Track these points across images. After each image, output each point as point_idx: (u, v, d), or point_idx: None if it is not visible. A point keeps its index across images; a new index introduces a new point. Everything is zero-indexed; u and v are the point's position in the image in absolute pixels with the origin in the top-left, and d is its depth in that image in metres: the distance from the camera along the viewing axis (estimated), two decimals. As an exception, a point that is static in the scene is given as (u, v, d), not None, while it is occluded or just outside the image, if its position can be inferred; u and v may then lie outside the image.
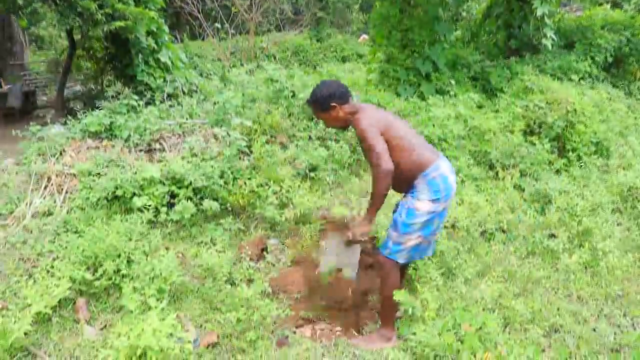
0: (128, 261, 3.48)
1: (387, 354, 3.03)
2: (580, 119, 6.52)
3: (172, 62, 8.56)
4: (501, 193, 5.41)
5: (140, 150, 5.04)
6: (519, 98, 7.17)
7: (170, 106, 6.16)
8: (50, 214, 4.19)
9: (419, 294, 3.27)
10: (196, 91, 7.90)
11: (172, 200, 4.32)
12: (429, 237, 3.16)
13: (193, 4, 14.48)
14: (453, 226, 4.55)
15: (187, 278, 3.67)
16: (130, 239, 3.69)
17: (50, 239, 3.85)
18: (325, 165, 5.25)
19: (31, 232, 3.95)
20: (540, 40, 8.94)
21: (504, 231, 4.81)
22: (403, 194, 3.21)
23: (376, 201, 2.98)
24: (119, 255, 3.47)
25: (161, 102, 6.40)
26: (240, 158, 5.00)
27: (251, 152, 5.10)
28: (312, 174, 5.10)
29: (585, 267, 4.30)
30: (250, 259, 3.97)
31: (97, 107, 5.60)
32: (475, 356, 2.67)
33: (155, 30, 8.34)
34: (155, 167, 4.38)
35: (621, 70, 9.79)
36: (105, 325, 3.25)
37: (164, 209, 4.17)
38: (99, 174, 4.50)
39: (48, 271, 3.45)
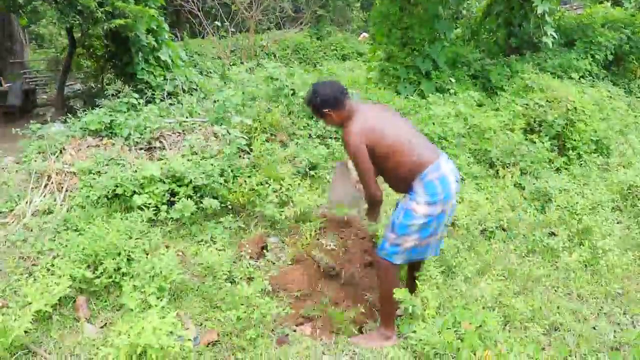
0: (128, 259, 3.48)
1: (387, 352, 3.03)
2: (581, 117, 6.52)
3: (172, 60, 8.55)
4: (501, 191, 5.41)
5: (141, 149, 5.04)
6: (519, 96, 7.16)
7: (171, 104, 6.16)
8: (50, 212, 4.19)
9: (419, 292, 3.27)
10: (196, 89, 7.90)
11: (172, 199, 4.32)
12: (427, 240, 3.12)
13: (193, 2, 14.46)
14: (453, 224, 4.55)
15: (187, 276, 3.67)
16: (130, 237, 3.69)
17: (50, 237, 3.85)
18: (325, 163, 5.25)
19: (31, 230, 3.95)
20: (541, 38, 8.93)
21: (504, 229, 4.81)
22: (403, 195, 3.19)
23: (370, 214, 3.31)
24: (119, 254, 3.46)
25: (161, 100, 6.40)
26: (240, 156, 4.99)
27: (251, 150, 5.10)
28: (312, 172, 5.10)
29: (585, 266, 4.30)
30: (251, 257, 3.97)
31: (97, 106, 5.60)
32: (475, 354, 2.67)
33: (155, 28, 8.33)
34: (155, 166, 4.38)
35: (621, 69, 9.79)
36: (106, 324, 3.25)
37: (164, 207, 4.17)
38: (99, 172, 4.50)
39: (48, 269, 3.45)
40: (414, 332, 2.97)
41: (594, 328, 3.50)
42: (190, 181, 4.33)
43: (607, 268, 4.18)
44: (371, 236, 4.10)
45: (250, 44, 15.62)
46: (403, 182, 3.06)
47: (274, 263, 3.99)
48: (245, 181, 4.63)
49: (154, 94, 6.69)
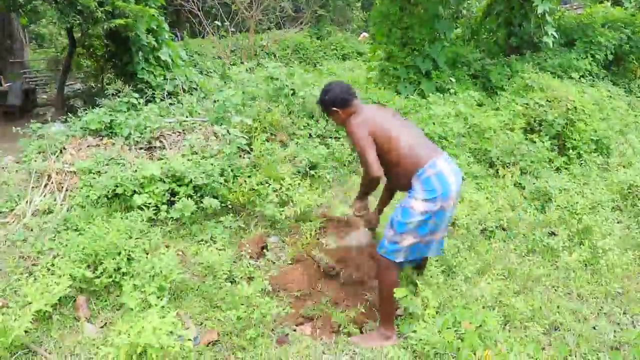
0: (128, 259, 3.48)
1: (387, 351, 3.03)
2: (581, 117, 6.52)
3: (172, 60, 8.55)
4: (501, 191, 5.41)
5: (141, 148, 5.04)
6: (519, 96, 7.16)
7: (171, 104, 6.16)
8: (50, 212, 4.19)
9: (419, 292, 3.27)
10: (196, 89, 7.90)
11: (172, 198, 4.32)
12: (426, 237, 3.13)
13: (193, 1, 14.46)
14: (453, 224, 4.55)
15: (188, 276, 3.67)
16: (130, 237, 3.69)
17: (50, 236, 3.85)
18: (325, 163, 5.25)
19: (31, 230, 3.96)
20: (541, 38, 8.92)
21: (504, 229, 4.81)
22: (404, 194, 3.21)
23: (362, 194, 3.45)
24: (119, 253, 3.46)
25: (161, 100, 6.40)
26: (240, 156, 5.00)
27: (251, 150, 5.10)
28: (312, 172, 5.10)
29: (585, 265, 4.30)
30: (251, 257, 3.97)
31: (98, 105, 5.60)
32: (475, 354, 2.68)
33: (155, 28, 8.33)
34: (155, 165, 4.38)
35: (621, 68, 9.79)
36: (106, 323, 3.25)
37: (164, 207, 4.17)
38: (99, 171, 4.50)
39: (48, 269, 3.45)
40: (414, 331, 2.98)
41: (594, 328, 3.50)
42: (191, 181, 4.33)
43: (607, 268, 4.18)
44: (372, 236, 4.11)
45: (251, 43, 15.62)
46: (403, 179, 3.09)
47: (274, 263, 3.99)
48: (245, 181, 4.63)
49: (154, 94, 6.69)
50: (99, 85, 10.03)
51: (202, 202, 4.26)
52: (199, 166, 4.45)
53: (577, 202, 5.07)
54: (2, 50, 12.98)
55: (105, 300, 3.41)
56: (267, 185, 4.67)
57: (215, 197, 4.37)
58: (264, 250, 4.11)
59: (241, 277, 3.65)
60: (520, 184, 5.63)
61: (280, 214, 4.38)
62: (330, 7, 21.81)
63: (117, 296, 3.39)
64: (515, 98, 7.07)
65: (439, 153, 3.13)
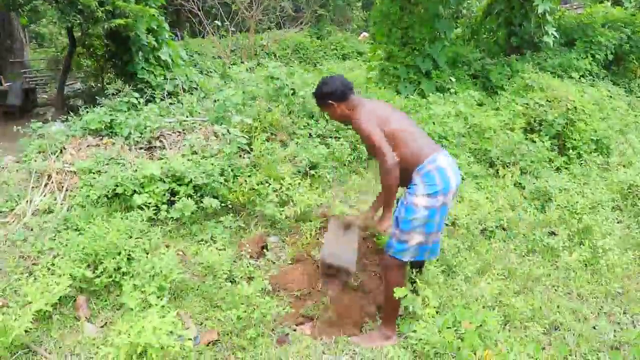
0: (128, 259, 3.48)
1: (387, 351, 3.03)
2: (581, 116, 6.52)
3: (172, 60, 8.56)
4: (501, 191, 5.41)
5: (141, 148, 5.04)
6: (519, 96, 7.16)
7: (171, 104, 6.16)
8: (50, 211, 4.19)
9: (420, 291, 3.27)
10: (196, 89, 7.90)
11: (172, 198, 4.32)
12: (432, 235, 3.13)
13: (193, 1, 14.46)
14: (453, 224, 4.55)
15: (188, 276, 3.67)
16: (130, 237, 3.69)
17: (50, 236, 3.85)
18: (325, 162, 5.25)
19: (31, 229, 3.96)
20: (542, 38, 8.93)
21: (504, 229, 4.81)
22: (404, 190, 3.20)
23: (387, 195, 3.10)
24: (119, 253, 3.46)
25: (161, 99, 6.40)
26: (240, 156, 4.99)
27: (251, 149, 5.10)
28: (312, 172, 5.10)
29: (585, 265, 4.30)
30: (251, 257, 3.97)
31: (98, 105, 5.60)
32: (475, 354, 2.67)
33: (155, 27, 8.34)
34: (155, 165, 4.38)
35: (621, 68, 9.80)
36: (106, 323, 3.25)
37: (165, 207, 4.17)
38: (99, 171, 4.50)
39: (48, 269, 3.45)
40: (414, 331, 2.97)
41: (594, 327, 3.50)
42: (191, 180, 4.33)
43: (607, 267, 4.18)
44: (372, 235, 4.11)
45: (251, 43, 15.63)
46: (404, 173, 3.06)
47: (274, 262, 3.99)
48: (245, 180, 4.63)
49: (154, 94, 6.69)
50: (99, 85, 10.04)
51: (202, 202, 4.26)
52: (199, 166, 4.45)
53: (577, 202, 5.07)
54: (2, 50, 12.98)
55: (105, 300, 3.41)
56: (267, 185, 4.67)
57: (215, 197, 4.37)
58: (264, 250, 4.11)
59: (241, 277, 3.65)
60: (520, 183, 5.63)
61: (281, 214, 4.38)
62: (330, 7, 21.81)
63: (117, 296, 3.39)
64: (516, 98, 7.07)
65: (439, 149, 3.13)
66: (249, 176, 4.73)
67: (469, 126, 6.29)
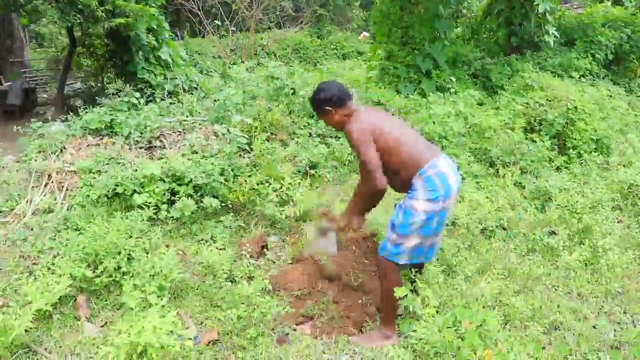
0: (128, 258, 3.48)
1: (387, 351, 3.03)
2: (581, 116, 6.52)
3: (172, 60, 8.56)
4: (501, 190, 5.41)
5: (141, 148, 5.04)
6: (519, 95, 7.16)
7: (171, 103, 6.16)
8: (50, 211, 4.19)
9: (420, 291, 3.27)
10: (196, 88, 7.90)
11: (172, 198, 4.32)
12: (429, 238, 3.13)
13: (193, 1, 14.46)
14: (453, 223, 4.55)
15: (188, 275, 3.67)
16: (130, 236, 3.69)
17: (50, 236, 3.86)
18: (325, 162, 5.25)
19: (32, 229, 3.96)
20: (542, 37, 8.93)
21: (504, 228, 4.81)
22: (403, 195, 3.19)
23: (355, 206, 3.20)
24: (120, 253, 3.46)
25: (162, 99, 6.40)
26: (240, 155, 5.00)
27: (251, 149, 5.10)
28: (312, 171, 5.10)
29: (586, 265, 4.30)
30: (251, 256, 3.97)
31: (98, 105, 5.60)
32: (475, 353, 2.67)
33: (155, 27, 8.34)
34: (155, 165, 4.38)
35: (622, 68, 9.80)
36: (106, 323, 3.25)
37: (165, 207, 4.17)
38: (99, 171, 4.51)
39: (48, 268, 3.46)
40: (414, 331, 2.97)
41: (594, 327, 3.50)
42: (191, 180, 4.33)
43: (607, 267, 4.18)
44: (372, 235, 4.11)
45: (251, 43, 15.63)
46: (403, 179, 3.05)
47: (274, 262, 3.99)
48: (245, 180, 4.63)
49: (154, 93, 6.70)
50: (99, 84, 10.03)
51: (202, 202, 4.27)
52: (199, 165, 4.45)
53: (577, 202, 5.06)
54: (2, 50, 12.98)
55: (106, 300, 3.41)
56: (267, 184, 4.67)
57: (215, 197, 4.37)
58: (264, 250, 4.11)
59: (241, 277, 3.65)
60: (520, 183, 5.63)
61: (281, 214, 4.38)
62: (331, 7, 21.81)
63: (118, 295, 3.39)
64: (516, 97, 7.07)
65: (438, 153, 3.12)
66: (249, 176, 4.73)
67: (469, 126, 6.28)
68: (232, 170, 4.69)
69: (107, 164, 4.60)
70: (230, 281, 3.62)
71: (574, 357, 3.20)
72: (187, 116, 5.70)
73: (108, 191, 4.22)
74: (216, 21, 14.69)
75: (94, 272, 3.39)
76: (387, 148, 3.01)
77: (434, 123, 6.05)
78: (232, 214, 4.40)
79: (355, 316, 3.40)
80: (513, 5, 9.26)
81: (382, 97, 6.80)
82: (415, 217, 2.98)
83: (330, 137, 5.69)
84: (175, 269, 3.38)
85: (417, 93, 7.39)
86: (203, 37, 16.94)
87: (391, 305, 3.16)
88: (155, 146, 5.11)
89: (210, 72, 11.71)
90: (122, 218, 3.87)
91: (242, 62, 12.70)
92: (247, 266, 3.78)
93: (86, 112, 5.30)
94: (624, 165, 6.47)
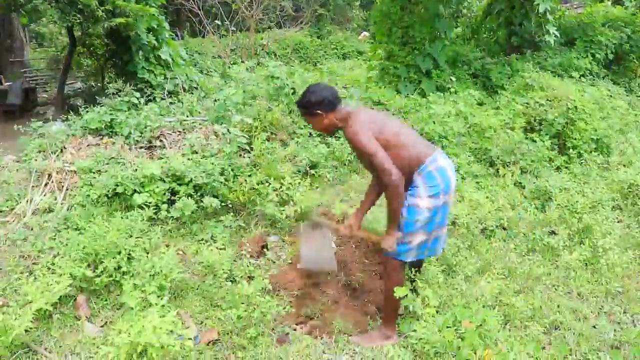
0: (128, 258, 3.48)
1: (387, 350, 3.03)
2: (581, 116, 6.52)
3: (172, 59, 8.57)
4: (501, 190, 5.41)
5: (141, 148, 5.04)
6: (519, 95, 7.16)
7: (171, 103, 6.16)
8: (50, 211, 4.19)
9: (420, 291, 3.27)
10: (196, 88, 7.91)
11: (172, 198, 4.32)
12: (434, 233, 3.14)
13: (193, 1, 14.46)
14: (453, 223, 4.55)
15: (188, 275, 3.67)
16: (130, 236, 3.69)
17: (50, 235, 3.85)
18: (325, 162, 5.25)
19: (32, 229, 3.96)
20: (542, 37, 8.93)
21: (504, 228, 4.81)
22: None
23: (393, 212, 2.98)
24: (120, 252, 3.46)
25: (162, 99, 6.40)
26: (240, 155, 4.99)
27: (251, 149, 5.10)
28: (312, 171, 5.10)
29: (586, 264, 4.30)
30: (251, 256, 3.97)
31: (98, 104, 5.60)
32: (475, 353, 2.67)
33: (155, 27, 8.34)
34: (155, 164, 4.38)
35: (622, 68, 9.80)
36: (106, 322, 3.25)
37: (165, 206, 4.17)
38: (99, 171, 4.50)
39: (49, 268, 3.46)
40: (414, 331, 2.97)
41: (594, 327, 3.50)
42: (191, 180, 4.33)
43: (608, 267, 4.18)
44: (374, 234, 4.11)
45: (251, 43, 15.62)
46: (405, 178, 3.05)
47: (274, 262, 3.99)
48: (245, 180, 4.63)
49: (154, 93, 6.70)
50: (99, 84, 10.04)
51: (202, 202, 4.26)
52: (199, 165, 4.45)
53: (577, 201, 5.06)
54: (2, 50, 12.99)
55: (106, 300, 3.41)
56: (267, 184, 4.67)
57: (215, 197, 4.37)
58: (264, 250, 4.11)
59: (241, 276, 3.65)
60: (520, 183, 5.63)
61: (281, 213, 4.38)
62: (331, 6, 21.81)
63: (118, 295, 3.39)
64: (516, 97, 7.07)
65: (435, 148, 3.13)
66: (249, 175, 4.73)
67: (469, 125, 6.28)
68: (232, 170, 4.69)
69: (107, 163, 4.60)
70: (230, 281, 3.62)
71: (574, 357, 3.20)
72: (187, 116, 5.70)
73: (108, 191, 4.21)
74: (216, 21, 14.69)
75: (94, 271, 3.39)
76: (388, 147, 2.98)
77: (434, 123, 6.05)
78: (232, 213, 4.40)
79: (356, 316, 3.40)
80: (513, 5, 9.26)
81: (382, 97, 6.80)
82: (420, 214, 2.99)
83: (331, 137, 5.69)
84: (176, 268, 3.38)
85: (417, 93, 7.40)
86: (203, 37, 16.95)
87: (392, 305, 3.16)
88: (155, 146, 5.11)
89: (211, 71, 11.72)
90: (122, 218, 3.87)
91: (242, 61, 12.70)
92: (247, 266, 3.78)
93: (86, 112, 5.30)
94: (624, 165, 6.47)
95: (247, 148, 5.10)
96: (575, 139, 6.41)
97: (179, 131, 5.34)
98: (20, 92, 10.69)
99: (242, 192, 4.49)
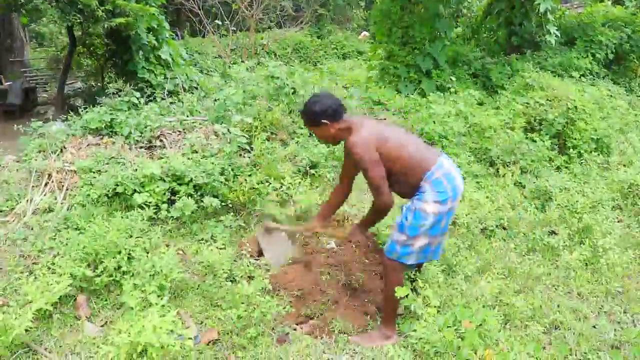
0: (129, 258, 3.48)
1: (387, 350, 3.03)
2: (581, 116, 6.52)
3: (172, 59, 8.56)
4: (502, 190, 5.41)
5: (141, 147, 5.04)
6: (519, 95, 7.17)
7: (171, 103, 6.15)
8: (50, 210, 4.19)
9: (420, 291, 3.27)
10: (197, 88, 7.91)
11: (172, 197, 4.31)
12: (437, 238, 3.15)
13: (194, 0, 14.45)
14: (454, 223, 4.55)
15: (188, 275, 3.67)
16: (130, 236, 3.69)
17: (50, 235, 3.85)
18: (325, 162, 5.25)
19: (32, 228, 3.95)
20: (543, 37, 8.93)
21: (504, 228, 4.81)
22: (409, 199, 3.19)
23: (372, 224, 3.36)
24: (120, 252, 3.46)
25: (162, 99, 6.39)
26: (240, 155, 4.99)
27: (252, 149, 5.10)
28: (312, 171, 5.09)
29: (586, 264, 4.30)
30: (251, 256, 3.96)
31: (98, 104, 5.59)
32: (475, 353, 2.67)
33: (155, 27, 8.34)
34: (155, 164, 4.37)
35: (622, 67, 9.80)
36: (106, 322, 3.25)
37: (165, 206, 4.17)
38: (99, 170, 4.50)
39: (49, 268, 3.45)
40: (414, 330, 2.97)
41: (595, 327, 3.50)
42: (191, 180, 4.32)
43: (608, 267, 4.18)
44: (373, 234, 4.11)
45: (251, 42, 15.62)
46: (410, 185, 3.06)
47: (274, 262, 3.99)
48: (245, 180, 4.63)
49: (154, 93, 6.69)
50: (99, 84, 10.04)
51: (202, 201, 4.26)
52: (199, 165, 4.45)
53: (577, 201, 5.06)
54: (2, 49, 12.98)
55: (106, 299, 3.41)
56: (267, 184, 4.67)
57: (215, 196, 4.37)
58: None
59: (241, 276, 3.65)
60: (520, 183, 5.63)
61: (281, 213, 4.37)
62: (331, 6, 21.80)
63: (118, 295, 3.39)
64: (516, 97, 7.07)
65: (440, 154, 3.15)
66: (249, 175, 4.73)
67: (469, 125, 6.28)
68: (233, 169, 4.68)
69: (107, 163, 4.60)
70: (230, 281, 3.62)
71: (574, 357, 3.20)
72: (187, 116, 5.70)
73: (108, 191, 4.21)
74: (216, 21, 14.68)
75: (94, 271, 3.38)
76: (391, 156, 3.01)
77: (434, 123, 6.05)
78: (232, 213, 4.40)
79: (356, 316, 3.40)
80: (513, 5, 9.26)
81: (382, 96, 6.80)
82: (426, 219, 3.00)
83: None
84: (176, 268, 3.38)
85: (417, 93, 7.40)
86: (203, 36, 16.94)
87: (392, 305, 3.17)
88: (155, 146, 5.11)
89: (211, 71, 11.73)
90: (122, 217, 3.86)
91: (242, 61, 12.69)
92: (247, 266, 3.78)
93: (86, 112, 5.29)
94: (624, 165, 6.47)
95: (247, 148, 5.10)
96: (575, 138, 6.41)
97: (179, 131, 5.34)
98: (20, 91, 10.69)
99: (242, 192, 4.49)
